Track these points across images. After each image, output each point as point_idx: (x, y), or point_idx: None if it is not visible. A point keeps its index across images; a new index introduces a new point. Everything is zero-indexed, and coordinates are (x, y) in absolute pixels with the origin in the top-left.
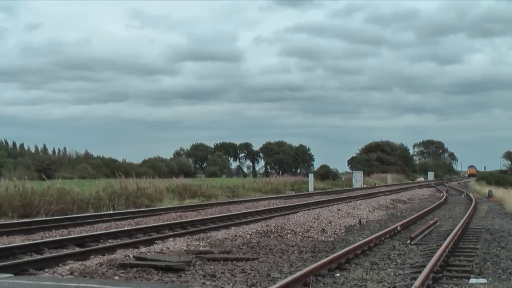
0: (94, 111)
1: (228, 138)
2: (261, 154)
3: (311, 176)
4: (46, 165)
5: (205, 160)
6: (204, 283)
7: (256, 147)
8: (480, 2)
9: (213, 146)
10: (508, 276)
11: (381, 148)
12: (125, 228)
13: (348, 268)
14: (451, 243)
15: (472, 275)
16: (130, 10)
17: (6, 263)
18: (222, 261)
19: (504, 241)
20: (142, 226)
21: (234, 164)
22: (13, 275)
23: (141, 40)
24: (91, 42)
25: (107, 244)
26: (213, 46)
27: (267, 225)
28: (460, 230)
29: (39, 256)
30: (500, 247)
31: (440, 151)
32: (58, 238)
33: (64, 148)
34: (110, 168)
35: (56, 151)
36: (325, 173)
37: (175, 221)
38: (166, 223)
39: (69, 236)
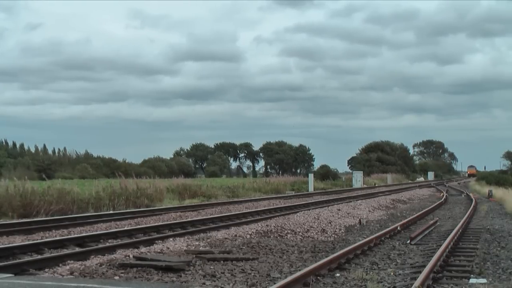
0: (94, 111)
1: (228, 138)
2: (261, 154)
3: (311, 176)
4: (46, 165)
5: (205, 160)
6: (204, 283)
7: (256, 147)
8: (480, 2)
9: (213, 146)
10: (508, 276)
11: (381, 148)
12: (125, 228)
13: (348, 268)
14: (451, 243)
15: (472, 275)
16: (130, 10)
17: (6, 263)
18: (222, 261)
19: (504, 241)
20: (142, 226)
21: (234, 164)
22: (13, 275)
23: (141, 40)
24: (91, 42)
25: (107, 244)
26: (213, 46)
27: (267, 225)
28: (460, 230)
29: (39, 256)
30: (500, 247)
31: (440, 151)
32: (58, 238)
33: (64, 148)
34: (110, 168)
35: (56, 151)
36: (325, 173)
37: (175, 221)
38: (166, 223)
39: (69, 236)
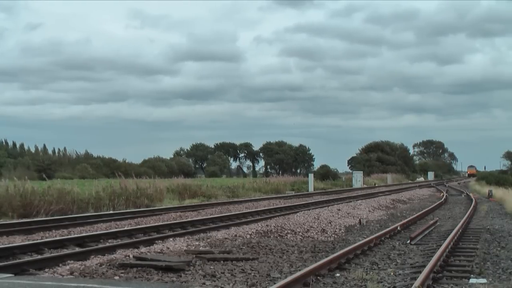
0: (94, 111)
1: (228, 138)
2: (261, 154)
3: (311, 176)
4: (46, 165)
5: (205, 160)
6: (204, 283)
7: (256, 147)
8: (480, 2)
9: (213, 146)
10: (508, 276)
11: (381, 148)
12: (125, 228)
13: (348, 268)
14: (451, 243)
15: (472, 275)
16: (130, 10)
17: (6, 263)
18: (222, 261)
19: (504, 241)
20: (142, 226)
21: (234, 164)
22: (13, 275)
23: (141, 40)
24: (91, 42)
25: (107, 244)
26: (213, 46)
27: (267, 225)
28: (460, 230)
29: (39, 256)
30: (500, 247)
31: (440, 151)
32: (58, 238)
33: (64, 148)
34: (110, 168)
35: (56, 151)
36: (325, 173)
37: (175, 221)
38: (166, 223)
39: (69, 236)
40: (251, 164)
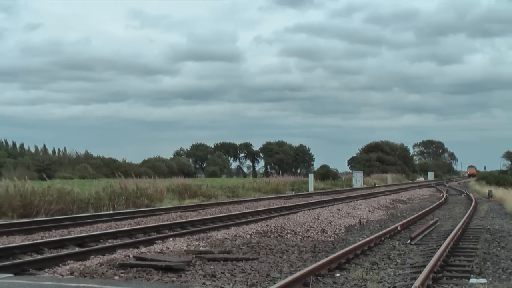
0: (94, 111)
1: (228, 138)
2: (261, 154)
3: (311, 176)
4: (46, 165)
5: (205, 160)
6: (204, 283)
7: (256, 147)
8: (480, 2)
9: (213, 146)
10: (508, 276)
11: (381, 148)
12: (125, 228)
13: (348, 268)
14: (451, 243)
15: (472, 275)
16: (130, 10)
17: (6, 263)
18: (222, 261)
19: (504, 241)
20: (142, 226)
21: (234, 164)
22: (13, 275)
23: (141, 40)
24: (91, 42)
25: (107, 244)
26: (213, 46)
27: (267, 225)
28: (460, 230)
29: (39, 256)
30: (500, 247)
31: (440, 151)
32: (58, 238)
33: (64, 148)
34: (110, 168)
35: (56, 151)
36: (325, 173)
37: (175, 221)
38: (166, 223)
39: (69, 236)
40: (251, 164)
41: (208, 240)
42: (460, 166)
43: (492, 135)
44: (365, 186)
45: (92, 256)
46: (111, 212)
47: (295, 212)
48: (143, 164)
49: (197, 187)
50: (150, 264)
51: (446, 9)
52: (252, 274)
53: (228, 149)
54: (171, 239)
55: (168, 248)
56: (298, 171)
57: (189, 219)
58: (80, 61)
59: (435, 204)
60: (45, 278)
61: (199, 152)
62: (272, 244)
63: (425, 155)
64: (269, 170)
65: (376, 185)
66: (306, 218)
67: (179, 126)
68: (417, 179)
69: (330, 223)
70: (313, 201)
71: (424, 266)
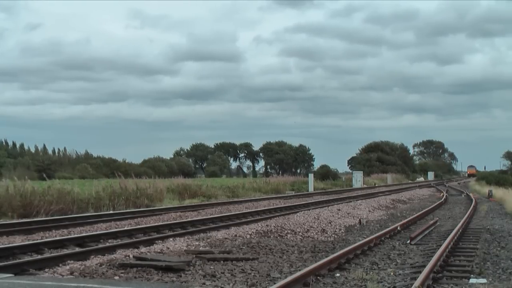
0: (94, 111)
1: (228, 138)
2: (261, 154)
3: (311, 176)
4: (46, 165)
5: (205, 160)
6: (204, 283)
7: (256, 147)
8: (480, 2)
9: (213, 146)
10: (508, 276)
11: (381, 148)
12: (125, 228)
13: (348, 268)
14: (451, 243)
15: (472, 275)
16: (130, 10)
17: (6, 263)
18: (222, 261)
19: (504, 241)
20: (142, 226)
21: (234, 164)
22: (13, 275)
23: (141, 40)
24: (91, 42)
25: (107, 244)
26: (213, 46)
27: (267, 225)
28: (460, 230)
29: (39, 256)
30: (500, 247)
31: (440, 151)
32: (58, 238)
33: (64, 148)
34: (110, 168)
35: (56, 151)
36: (325, 173)
37: (175, 221)
38: (166, 223)
39: (69, 236)
40: (251, 164)
41: (208, 240)
42: (460, 166)
43: (492, 135)
44: (365, 186)
45: (92, 256)
46: (111, 212)
47: (295, 212)
48: (143, 164)
49: (197, 187)
50: (150, 264)
51: (446, 9)
52: (252, 274)
53: (228, 149)
54: (171, 239)
55: (168, 248)
56: (298, 171)
57: (189, 219)
58: (80, 61)
59: (435, 204)
60: (45, 278)
61: (199, 152)
62: (272, 244)
63: (425, 155)
64: (269, 170)
65: (376, 185)
66: (306, 218)
67: (179, 126)
68: (417, 179)
69: (330, 223)
70: (313, 201)
71: (424, 266)
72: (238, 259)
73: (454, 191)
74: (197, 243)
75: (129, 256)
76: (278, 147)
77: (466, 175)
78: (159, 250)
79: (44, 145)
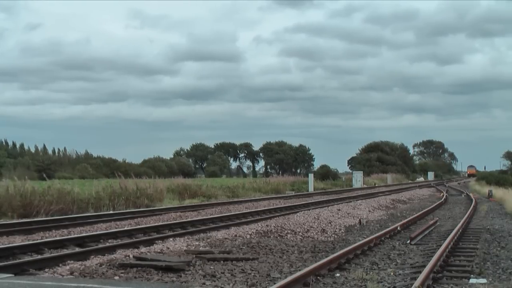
0: (94, 111)
1: (228, 138)
2: (261, 154)
3: (311, 176)
4: (46, 165)
5: (205, 160)
6: (204, 283)
7: (256, 147)
8: (480, 2)
9: (213, 146)
10: (508, 276)
11: (381, 148)
12: (125, 228)
13: (348, 268)
14: (451, 243)
15: (472, 275)
16: (130, 10)
17: (6, 263)
18: (222, 261)
19: (504, 241)
20: (142, 226)
21: (234, 164)
22: (13, 275)
23: (140, 40)
24: (91, 42)
25: (107, 244)
26: (213, 46)
27: (267, 225)
28: (460, 230)
29: (39, 256)
30: (500, 247)
31: (440, 151)
32: (58, 238)
33: (64, 148)
34: (110, 168)
35: (56, 151)
36: (325, 173)
37: (175, 221)
38: (166, 223)
39: (69, 236)
40: (251, 164)
41: (208, 240)
42: (460, 166)
43: (492, 135)
44: (365, 186)
45: (92, 256)
46: (111, 212)
47: (295, 212)
48: (143, 164)
49: (197, 187)
50: (150, 264)
51: (446, 9)
52: (252, 274)
53: (228, 149)
54: (171, 239)
55: (168, 248)
56: (298, 171)
57: (189, 219)
58: (80, 61)
59: (435, 204)
60: (45, 278)
61: (199, 152)
62: (272, 244)
63: (425, 155)
64: (269, 170)
65: (376, 185)
66: (306, 218)
67: (179, 126)
68: (417, 179)
69: (330, 223)
70: (313, 201)
71: (424, 266)
72: (238, 259)
73: (454, 191)
74: (197, 243)
75: (129, 256)
76: (278, 147)
77: (466, 175)
78: (159, 250)
79: (44, 145)
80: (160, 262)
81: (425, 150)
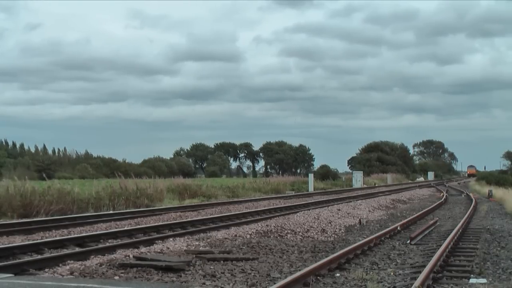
0: (94, 111)
1: (228, 138)
2: (261, 154)
3: (311, 176)
4: (46, 165)
5: (205, 160)
6: (204, 283)
7: (256, 147)
8: (480, 2)
9: (213, 146)
10: (508, 276)
11: (381, 148)
12: (125, 228)
13: (348, 268)
14: (451, 243)
15: (472, 275)
16: (130, 10)
17: (6, 263)
18: (222, 261)
19: (504, 241)
20: (142, 226)
21: (234, 164)
22: (13, 275)
23: (140, 40)
24: (91, 42)
25: (107, 244)
26: (213, 46)
27: (267, 225)
28: (460, 230)
29: (39, 256)
30: (500, 247)
31: (440, 151)
32: (58, 238)
33: (64, 148)
34: (110, 168)
35: (56, 151)
36: (325, 173)
37: (175, 221)
38: (166, 223)
39: (69, 236)
40: (251, 164)
41: (208, 240)
42: (460, 166)
43: (492, 135)
44: (365, 186)
45: (92, 256)
46: (111, 212)
47: (295, 212)
48: (143, 164)
49: (197, 187)
50: (150, 264)
51: (445, 9)
52: (252, 274)
53: (228, 149)
54: (171, 239)
55: (168, 248)
56: (298, 171)
57: (189, 219)
58: (80, 61)
59: (435, 204)
60: (45, 278)
61: (199, 152)
62: (272, 244)
63: (425, 155)
64: (269, 170)
65: (376, 185)
66: (306, 218)
67: (179, 126)
68: (417, 179)
69: (330, 223)
70: (313, 201)
71: (424, 266)
72: (238, 259)
73: (454, 191)
74: (197, 243)
75: (129, 256)
76: (278, 147)
77: (466, 175)
78: (159, 250)
79: (44, 145)
80: (160, 262)
81: (425, 150)
